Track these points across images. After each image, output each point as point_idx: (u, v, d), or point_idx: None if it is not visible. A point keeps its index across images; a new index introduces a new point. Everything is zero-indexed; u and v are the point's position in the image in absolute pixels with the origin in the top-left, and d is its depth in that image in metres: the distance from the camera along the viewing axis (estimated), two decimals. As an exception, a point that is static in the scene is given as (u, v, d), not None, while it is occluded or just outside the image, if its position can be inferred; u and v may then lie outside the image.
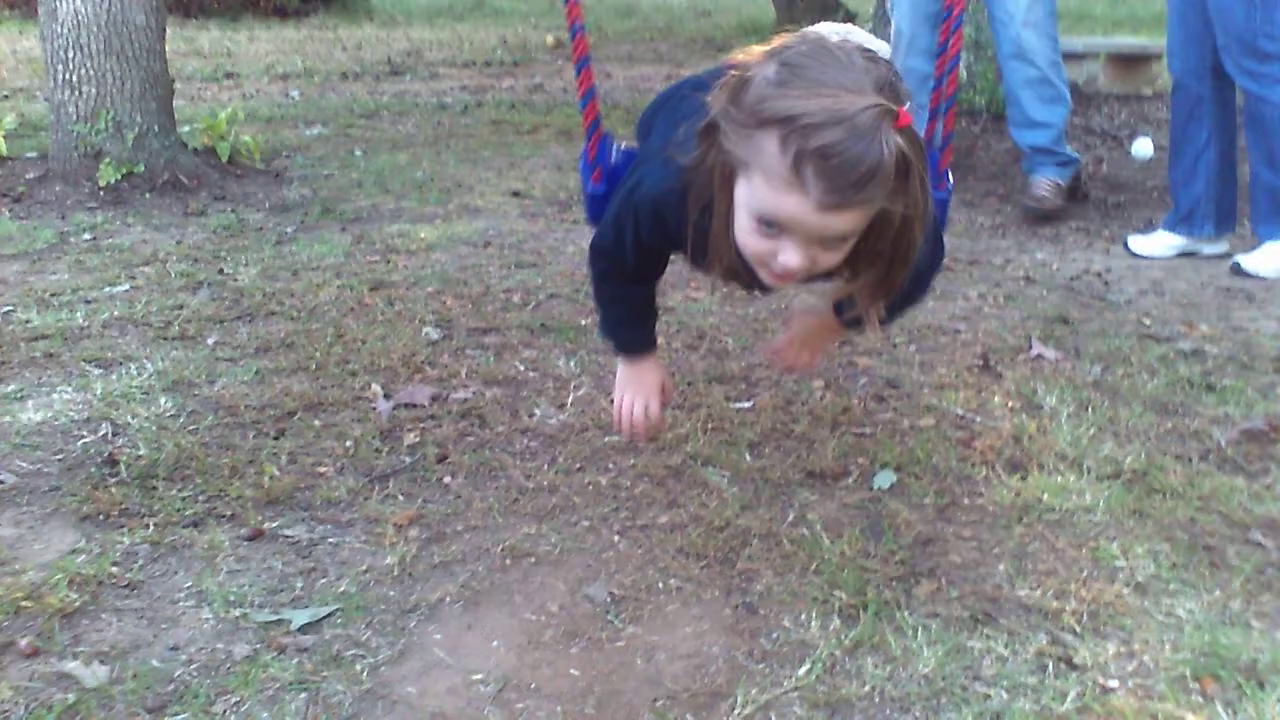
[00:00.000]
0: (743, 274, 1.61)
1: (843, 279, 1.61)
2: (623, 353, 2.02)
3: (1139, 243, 4.14)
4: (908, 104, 1.38)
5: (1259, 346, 3.06)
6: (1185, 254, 4.05)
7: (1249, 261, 3.80)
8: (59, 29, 4.59)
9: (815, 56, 1.39)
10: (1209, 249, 4.04)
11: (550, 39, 11.19)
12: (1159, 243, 4.09)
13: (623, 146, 2.11)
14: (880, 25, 6.40)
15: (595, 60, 7.67)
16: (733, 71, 1.45)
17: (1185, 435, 2.48)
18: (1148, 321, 3.30)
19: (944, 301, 3.47)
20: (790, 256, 1.43)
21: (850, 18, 9.44)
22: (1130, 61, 7.03)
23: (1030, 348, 3.02)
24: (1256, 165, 3.81)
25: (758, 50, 1.45)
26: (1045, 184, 4.59)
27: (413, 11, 13.69)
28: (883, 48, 1.49)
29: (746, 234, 1.47)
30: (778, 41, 1.45)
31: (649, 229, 1.72)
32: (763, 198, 1.40)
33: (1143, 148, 5.45)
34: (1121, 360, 2.93)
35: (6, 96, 7.15)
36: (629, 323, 2.00)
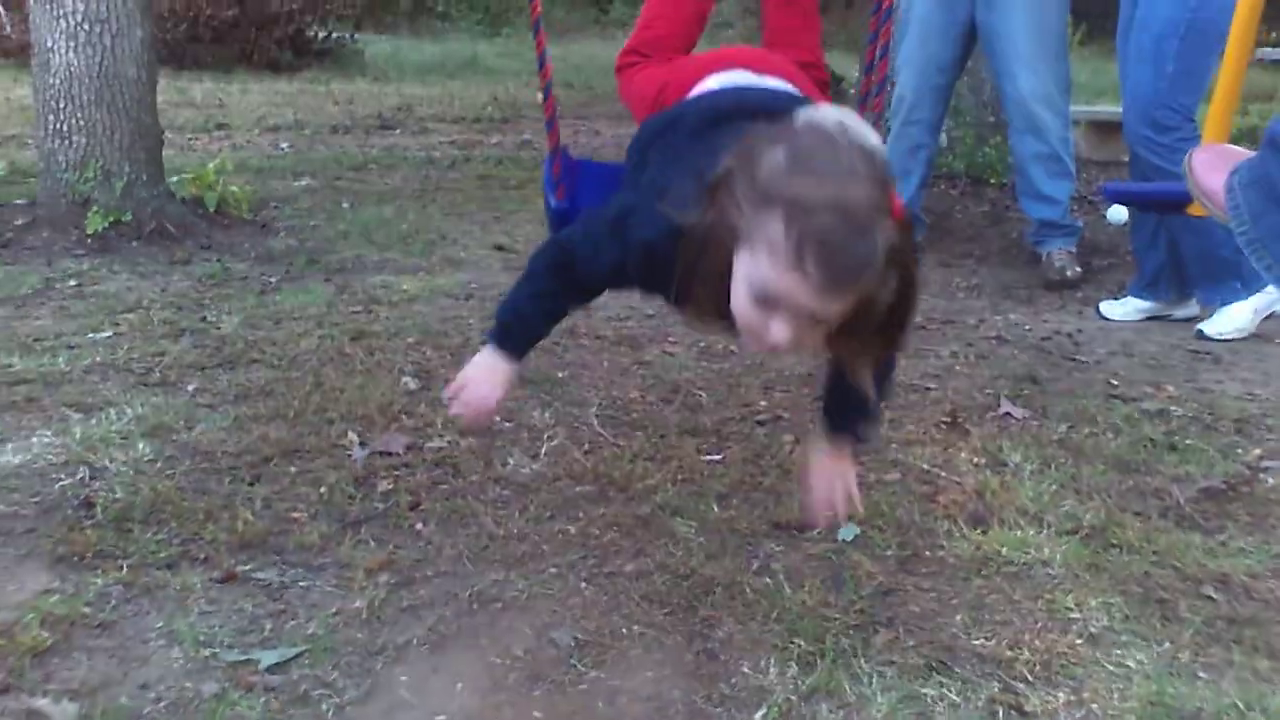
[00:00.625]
0: (721, 324, 1.65)
1: (828, 353, 1.69)
2: (502, 344, 1.93)
3: (1110, 308, 4.22)
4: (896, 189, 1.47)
5: (1222, 408, 3.13)
6: (1155, 317, 4.13)
7: (1210, 327, 3.89)
8: (51, 80, 4.67)
9: (822, 147, 1.46)
10: (1179, 312, 4.12)
11: (540, 96, 11.33)
12: (1129, 307, 4.17)
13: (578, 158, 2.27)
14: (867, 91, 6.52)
15: (585, 118, 7.78)
16: (744, 146, 1.51)
17: (1145, 493, 2.53)
18: (1115, 382, 3.36)
19: (916, 360, 3.53)
20: (781, 332, 1.48)
21: (836, 81, 9.55)
22: (1109, 129, 7.17)
23: (999, 406, 3.08)
24: (1176, 234, 3.90)
25: (768, 135, 1.51)
26: (1060, 255, 4.68)
27: (405, 68, 13.84)
28: (877, 144, 1.55)
29: (742, 303, 1.51)
30: (790, 125, 1.51)
31: (636, 267, 1.75)
32: (764, 274, 1.45)
33: (1117, 213, 5.54)
34: (1087, 419, 2.99)
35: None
36: (532, 321, 1.96)
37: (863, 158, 1.45)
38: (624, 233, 1.75)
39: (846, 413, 1.89)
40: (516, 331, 1.94)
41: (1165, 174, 3.70)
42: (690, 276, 1.59)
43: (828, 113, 1.53)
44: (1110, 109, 8.59)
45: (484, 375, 1.92)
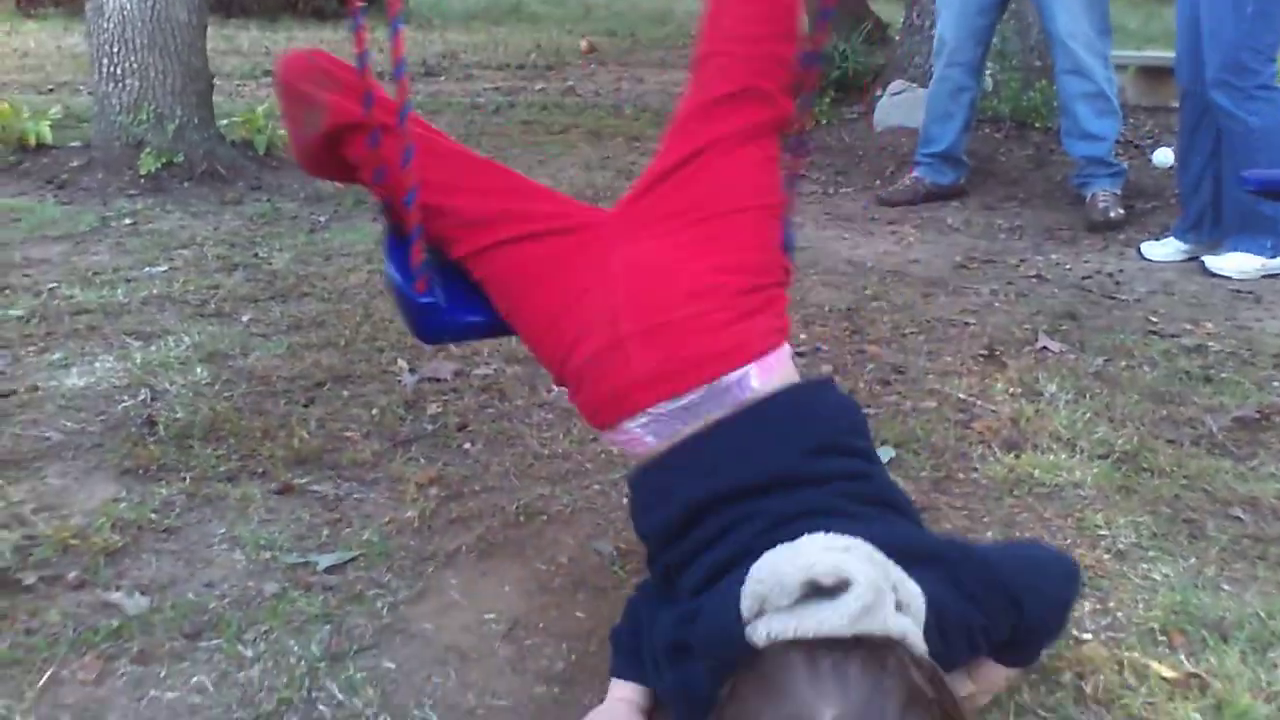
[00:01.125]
0: None
1: None
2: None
3: (1151, 248, 4.22)
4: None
5: (1261, 344, 3.14)
6: (1196, 259, 4.12)
7: (1214, 262, 3.90)
8: (105, 24, 4.75)
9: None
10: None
11: (584, 44, 11.33)
12: (1170, 248, 4.17)
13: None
14: (910, 35, 6.50)
15: (629, 65, 7.80)
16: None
17: (1179, 421, 2.57)
18: (1155, 319, 3.38)
19: (955, 296, 3.56)
20: None
21: (883, 28, 9.47)
22: (1158, 74, 7.08)
23: (1036, 340, 3.11)
24: (1228, 178, 3.90)
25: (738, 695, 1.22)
26: (1105, 196, 4.68)
27: (449, 15, 13.88)
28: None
29: None
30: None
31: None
32: None
33: (1163, 156, 5.51)
34: (1124, 354, 3.02)
35: (52, 90, 7.35)
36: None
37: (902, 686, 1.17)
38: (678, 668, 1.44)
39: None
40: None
41: (1237, 120, 3.71)
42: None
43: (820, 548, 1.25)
44: (1161, 54, 8.48)
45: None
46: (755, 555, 1.27)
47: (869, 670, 1.17)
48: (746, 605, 1.23)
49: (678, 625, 1.41)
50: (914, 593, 1.23)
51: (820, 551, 1.24)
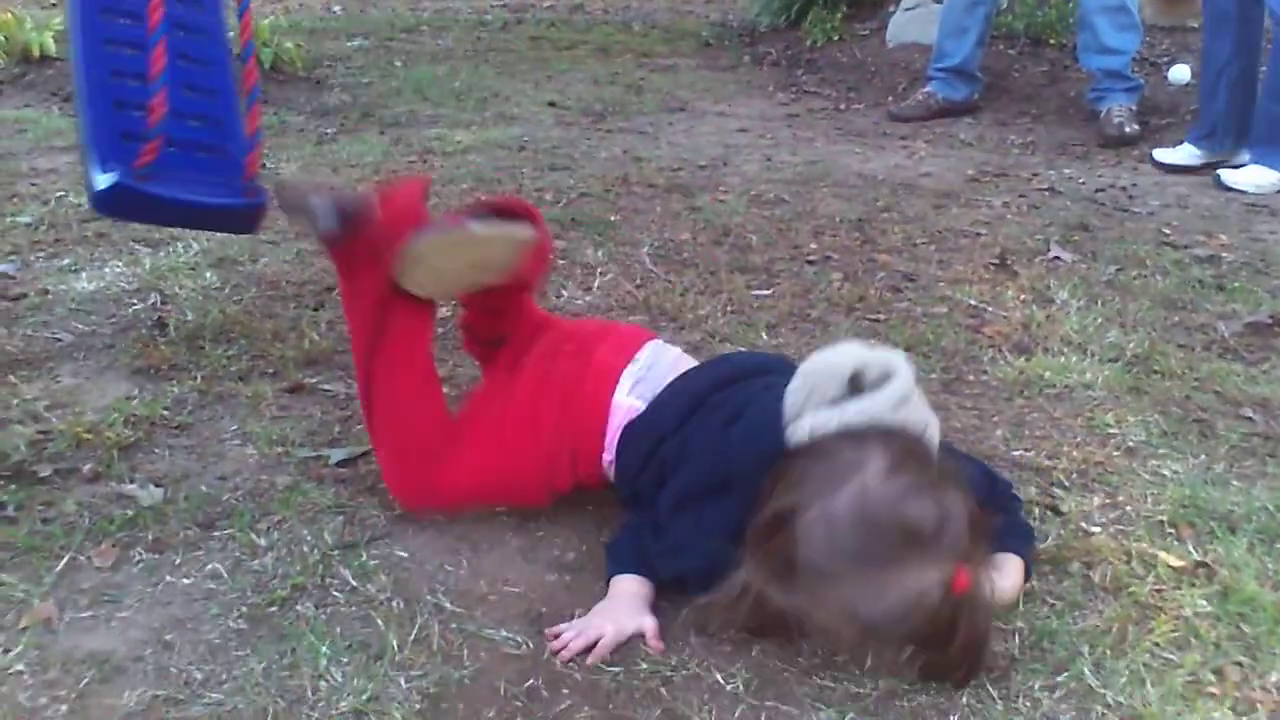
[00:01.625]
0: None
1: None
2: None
3: (1164, 153, 4.19)
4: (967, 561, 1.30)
5: (1275, 255, 3.12)
6: (1208, 164, 4.08)
7: (1230, 176, 3.87)
8: (108, -68, 4.68)
9: (873, 533, 1.29)
10: (1233, 165, 4.08)
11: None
12: (1183, 153, 4.14)
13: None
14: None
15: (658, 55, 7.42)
16: (768, 519, 1.35)
17: (1190, 327, 2.56)
18: (1168, 231, 3.36)
19: (967, 209, 3.54)
20: None
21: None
22: (1176, -9, 6.98)
23: (1048, 250, 3.09)
24: (1267, 90, 3.85)
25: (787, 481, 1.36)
26: (1120, 110, 4.63)
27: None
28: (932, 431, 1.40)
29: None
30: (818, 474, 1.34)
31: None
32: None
33: (1179, 73, 5.44)
34: (1137, 263, 3.00)
35: (54, 3, 7.26)
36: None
37: (932, 511, 1.30)
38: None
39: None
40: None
41: None
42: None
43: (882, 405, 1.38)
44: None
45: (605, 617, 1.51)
46: (753, 404, 1.48)
47: (913, 452, 1.34)
48: (791, 401, 1.40)
49: (676, 493, 1.53)
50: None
51: (864, 349, 1.43)
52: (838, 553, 1.29)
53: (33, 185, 3.45)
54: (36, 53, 4.97)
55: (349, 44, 6.39)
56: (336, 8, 7.87)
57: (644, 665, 1.42)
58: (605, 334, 1.83)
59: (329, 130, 4.35)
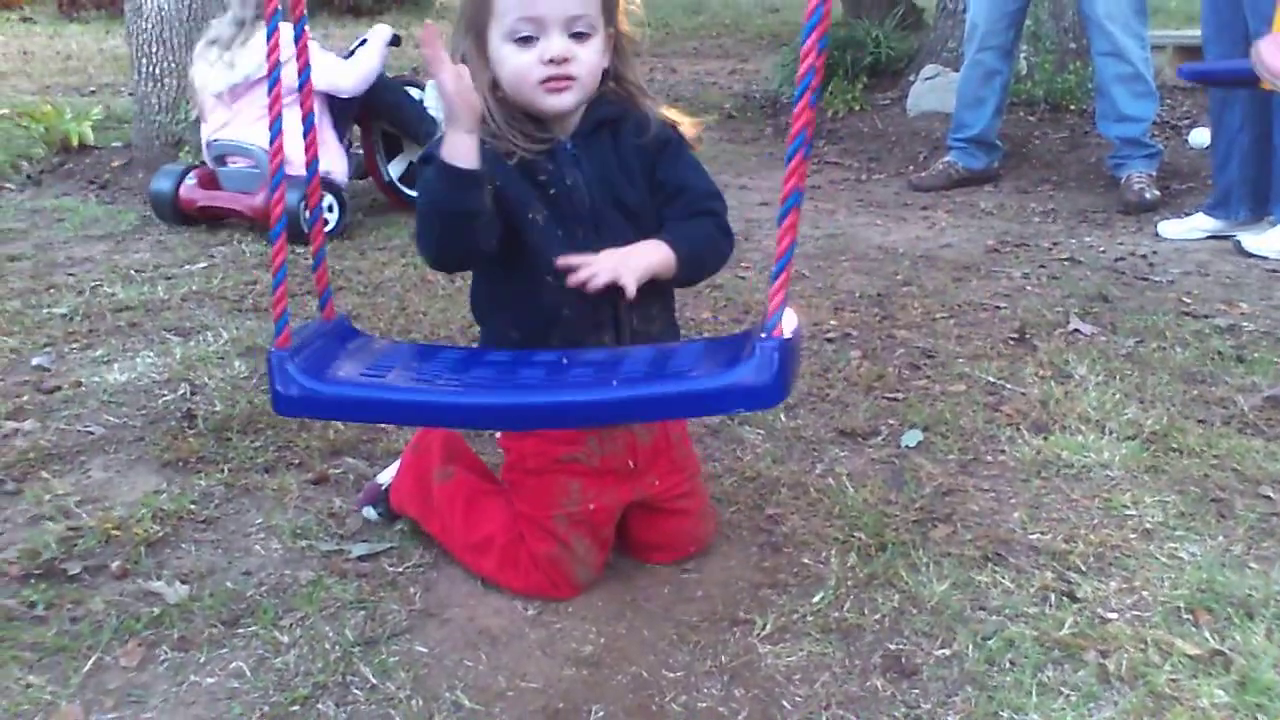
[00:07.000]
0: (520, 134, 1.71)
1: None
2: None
3: (1169, 227, 4.19)
4: None
5: (1296, 323, 3.12)
6: (1221, 236, 4.08)
7: (1250, 241, 3.86)
8: (144, 25, 4.84)
9: None
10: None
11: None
12: (1191, 225, 4.14)
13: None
14: (944, 19, 6.47)
15: (662, 55, 7.74)
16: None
17: (1210, 401, 2.56)
18: (1188, 300, 3.37)
19: (987, 281, 3.56)
20: (553, 45, 1.65)
21: (917, 13, 9.41)
22: (1197, 53, 6.99)
23: (1068, 323, 3.11)
24: (1277, 152, 3.86)
25: None
26: (1140, 178, 4.66)
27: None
28: None
29: (510, 60, 1.67)
30: None
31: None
32: (512, 10, 1.64)
33: (1200, 136, 5.46)
34: (1156, 335, 3.01)
35: (94, 91, 7.46)
36: None
37: None
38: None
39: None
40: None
41: None
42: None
43: None
44: (1198, 33, 8.40)
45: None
46: None
47: None
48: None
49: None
50: None
51: None
52: None
53: (69, 275, 3.54)
54: (75, 142, 5.12)
55: (378, 124, 6.51)
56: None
57: (659, 763, 1.43)
58: None
59: (358, 215, 4.44)
